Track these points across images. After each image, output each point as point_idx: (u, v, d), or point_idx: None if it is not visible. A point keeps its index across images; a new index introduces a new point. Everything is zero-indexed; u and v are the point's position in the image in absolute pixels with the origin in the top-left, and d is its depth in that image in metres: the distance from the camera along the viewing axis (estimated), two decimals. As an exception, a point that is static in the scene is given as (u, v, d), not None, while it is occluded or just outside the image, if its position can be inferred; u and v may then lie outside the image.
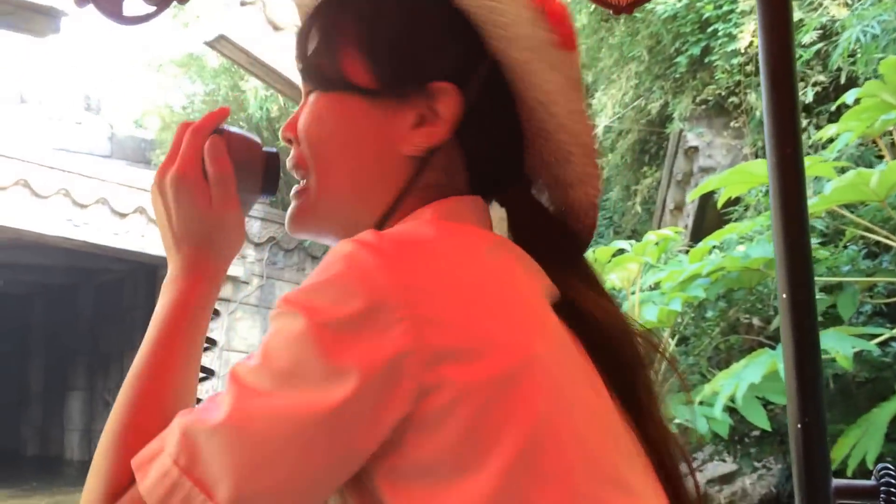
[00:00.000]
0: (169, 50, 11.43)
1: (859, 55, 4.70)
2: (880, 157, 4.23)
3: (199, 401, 0.70)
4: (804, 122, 5.45)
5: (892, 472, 1.35)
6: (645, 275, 4.60)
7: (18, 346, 13.74)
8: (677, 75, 6.15)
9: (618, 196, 7.24)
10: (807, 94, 5.40)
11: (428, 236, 0.65)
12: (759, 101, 5.37)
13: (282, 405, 0.59)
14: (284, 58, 6.43)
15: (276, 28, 6.79)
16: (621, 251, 4.39)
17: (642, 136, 6.90)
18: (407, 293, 0.59)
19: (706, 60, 5.97)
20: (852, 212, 3.88)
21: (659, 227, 5.87)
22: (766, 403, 3.64)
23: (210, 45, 6.86)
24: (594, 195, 0.80)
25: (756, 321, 4.51)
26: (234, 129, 0.81)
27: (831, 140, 3.88)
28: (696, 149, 6.00)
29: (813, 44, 5.38)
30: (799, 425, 1.27)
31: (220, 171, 0.77)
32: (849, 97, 3.51)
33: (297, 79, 0.89)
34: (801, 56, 5.50)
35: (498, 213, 0.78)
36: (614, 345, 0.71)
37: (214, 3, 7.17)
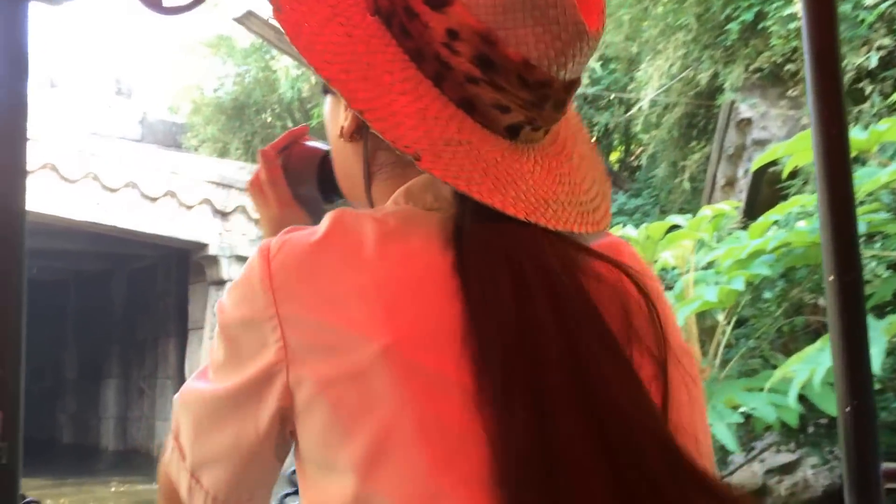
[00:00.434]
0: (199, 31, 11.31)
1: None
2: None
3: None
4: (868, 89, 5.11)
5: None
6: (696, 253, 4.34)
7: (53, 333, 13.81)
8: (728, 43, 5.86)
9: (664, 173, 6.96)
10: (870, 59, 5.06)
11: (311, 238, 0.68)
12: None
13: (198, 387, 0.73)
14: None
15: (305, 2, 6.57)
16: (675, 227, 4.11)
17: (690, 109, 6.61)
18: (275, 294, 0.65)
19: (760, 27, 5.67)
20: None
21: (709, 205, 5.56)
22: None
23: (238, 21, 6.70)
24: None
25: (822, 301, 4.20)
26: (310, 141, 0.98)
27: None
28: (749, 121, 5.69)
29: (876, 5, 5.04)
30: (847, 408, 1.27)
31: (268, 177, 0.94)
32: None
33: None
34: (863, 19, 5.17)
35: None
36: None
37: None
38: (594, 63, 7.64)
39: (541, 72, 0.68)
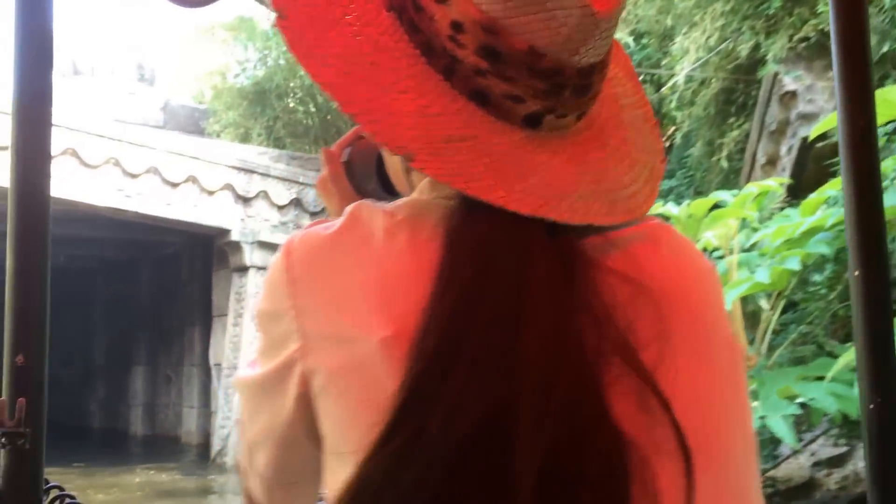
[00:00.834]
0: (219, 13, 11.18)
1: None
2: None
3: None
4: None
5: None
6: (739, 234, 4.09)
7: (83, 321, 13.89)
8: (771, 12, 5.57)
9: (700, 152, 6.68)
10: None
11: (326, 232, 0.70)
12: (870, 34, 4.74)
13: (245, 374, 0.77)
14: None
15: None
16: (718, 205, 3.87)
17: (728, 84, 6.33)
18: (292, 286, 0.69)
19: (804, -6, 5.36)
20: None
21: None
22: None
23: (257, -2, 6.50)
24: None
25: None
26: None
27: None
28: (793, 94, 5.40)
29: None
30: (871, 406, 1.27)
31: (330, 174, 0.95)
32: None
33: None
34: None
35: None
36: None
37: (261, -45, 6.79)
38: (627, 38, 7.36)
39: (549, 59, 0.66)
